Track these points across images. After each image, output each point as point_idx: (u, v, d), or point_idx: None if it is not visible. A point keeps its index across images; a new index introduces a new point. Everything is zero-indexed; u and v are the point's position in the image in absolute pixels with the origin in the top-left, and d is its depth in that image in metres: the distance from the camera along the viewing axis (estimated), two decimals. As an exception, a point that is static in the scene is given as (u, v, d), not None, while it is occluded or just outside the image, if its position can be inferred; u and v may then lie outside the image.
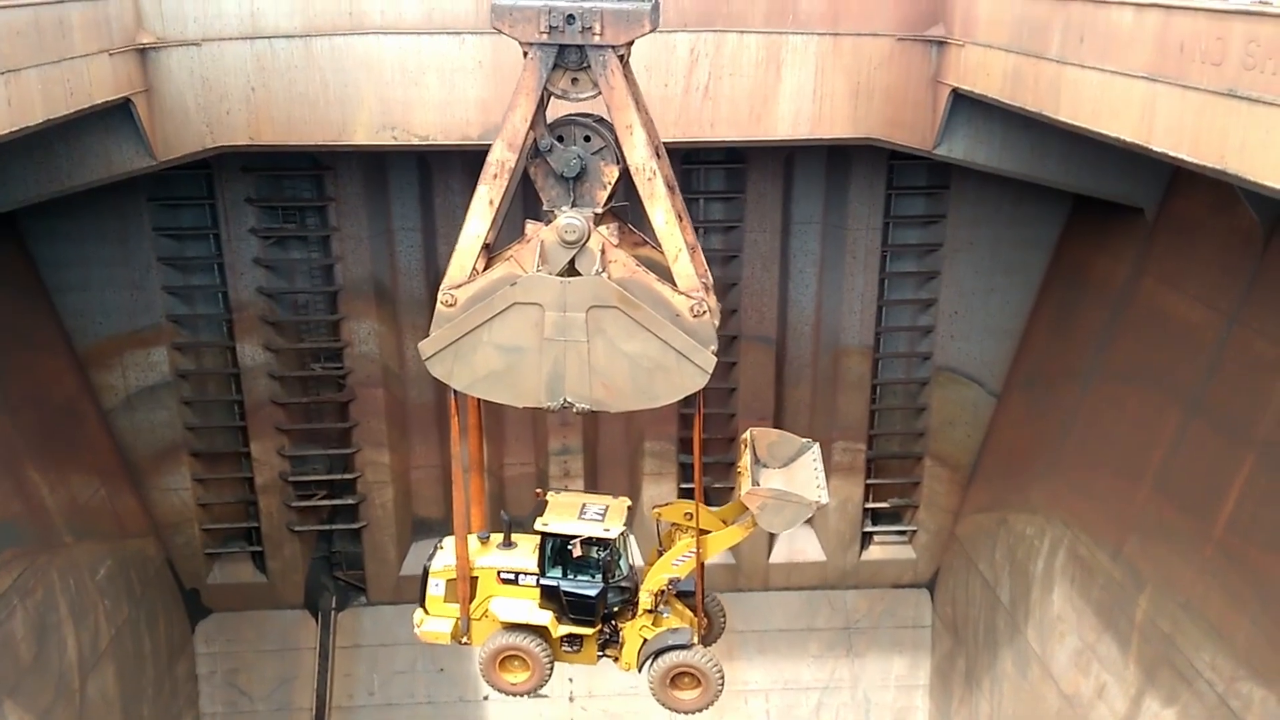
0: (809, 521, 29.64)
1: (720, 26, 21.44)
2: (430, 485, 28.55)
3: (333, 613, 28.89)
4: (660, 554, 17.46)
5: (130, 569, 25.40)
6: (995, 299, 26.88)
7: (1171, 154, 15.01)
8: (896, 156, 24.56)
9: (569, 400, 15.11)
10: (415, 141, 21.67)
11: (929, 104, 22.12)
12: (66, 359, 25.18)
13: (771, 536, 29.39)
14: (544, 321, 14.78)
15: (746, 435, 17.65)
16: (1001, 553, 25.85)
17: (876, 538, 29.59)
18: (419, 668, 29.20)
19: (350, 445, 27.77)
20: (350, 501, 28.19)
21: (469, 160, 22.70)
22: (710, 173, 26.34)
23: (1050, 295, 26.09)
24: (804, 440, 17.59)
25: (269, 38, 20.83)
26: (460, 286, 14.99)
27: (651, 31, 14.06)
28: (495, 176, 14.52)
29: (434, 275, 26.41)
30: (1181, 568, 19.32)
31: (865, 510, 29.17)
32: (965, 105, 21.42)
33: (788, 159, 26.04)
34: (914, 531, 29.46)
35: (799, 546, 29.59)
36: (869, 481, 28.85)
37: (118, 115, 19.90)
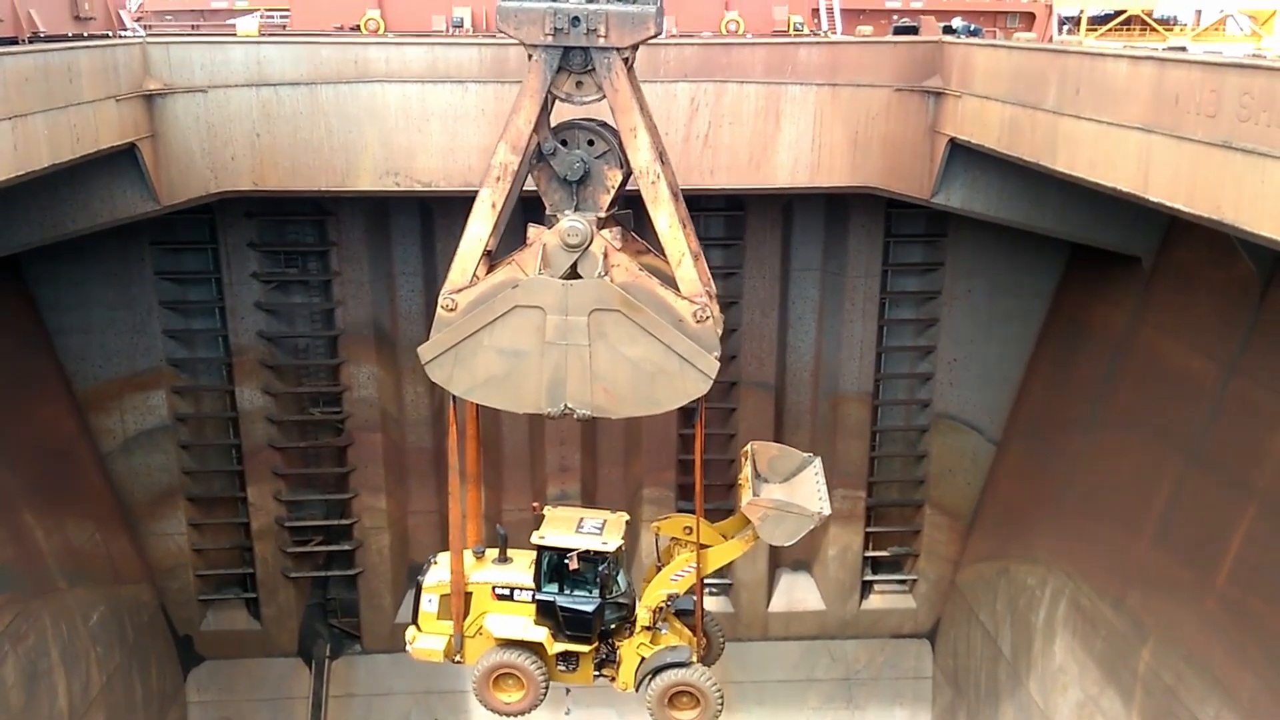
0: (808, 570, 29.71)
1: (720, 76, 21.72)
2: (427, 531, 28.36)
3: (327, 661, 28.54)
4: (659, 570, 17.06)
5: (123, 615, 25.13)
6: (994, 347, 26.93)
7: (1168, 204, 15.13)
8: (894, 205, 24.75)
9: (570, 406, 14.84)
10: (418, 187, 21.84)
11: (926, 153, 22.34)
12: (65, 402, 25.15)
13: (771, 584, 29.17)
14: (545, 325, 14.59)
15: (747, 448, 17.33)
16: (1003, 603, 25.62)
17: (877, 586, 29.36)
18: (414, 718, 28.78)
19: (347, 490, 27.63)
20: (346, 547, 28.00)
21: (471, 205, 22.84)
22: (710, 220, 26.52)
23: (1049, 343, 26.13)
24: (806, 455, 17.28)
25: (275, 85, 21.09)
26: (461, 291, 14.79)
27: (656, 35, 13.96)
28: (498, 179, 14.42)
29: (434, 319, 26.40)
30: (1184, 619, 19.13)
31: (865, 558, 28.98)
32: (962, 155, 21.63)
33: (786, 206, 26.23)
34: (914, 580, 29.22)
35: (798, 595, 29.34)
36: (869, 529, 28.69)
37: (123, 160, 20.09)
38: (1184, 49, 22.48)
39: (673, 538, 17.29)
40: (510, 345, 14.77)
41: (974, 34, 31.59)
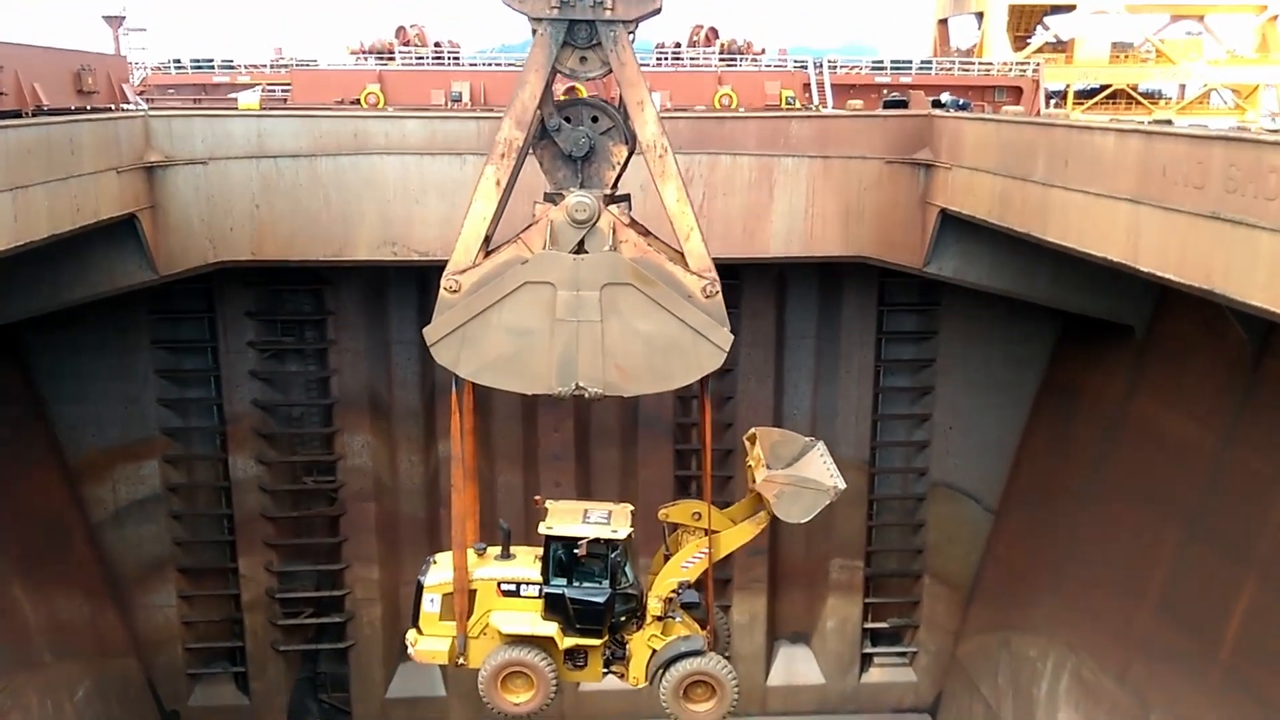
0: (807, 642, 29.26)
1: (714, 149, 22.07)
2: (420, 602, 27.94)
3: (316, 737, 27.93)
4: (666, 559, 16.50)
5: (110, 690, 24.62)
6: (989, 415, 26.93)
7: (1159, 274, 15.26)
8: (888, 274, 24.96)
9: (581, 385, 14.46)
10: (415, 257, 22.01)
11: (918, 224, 22.60)
12: (57, 471, 24.96)
13: (769, 657, 28.73)
14: (556, 301, 14.25)
15: (751, 433, 16.94)
16: (1004, 676, 25.21)
17: (877, 659, 28.91)
18: (404, 796, 28.08)
19: (340, 561, 27.31)
20: (338, 620, 27.57)
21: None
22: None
23: (1044, 411, 26.14)
24: (808, 439, 16.90)
25: (275, 157, 21.37)
26: (464, 272, 14.40)
27: (659, 10, 13.83)
28: (503, 156, 14.15)
29: (430, 387, 26.46)
30: (1188, 691, 18.83)
31: (864, 630, 28.60)
32: (954, 225, 21.88)
33: (781, 276, 26.43)
34: (914, 653, 28.79)
35: (797, 669, 28.88)
36: (867, 600, 28.36)
37: (122, 230, 20.24)
38: (1170, 122, 22.87)
39: (680, 525, 16.71)
40: (520, 323, 14.38)
41: (962, 108, 32.27)
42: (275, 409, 26.48)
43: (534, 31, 13.83)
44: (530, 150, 14.46)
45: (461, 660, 16.29)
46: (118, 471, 25.83)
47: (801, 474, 15.72)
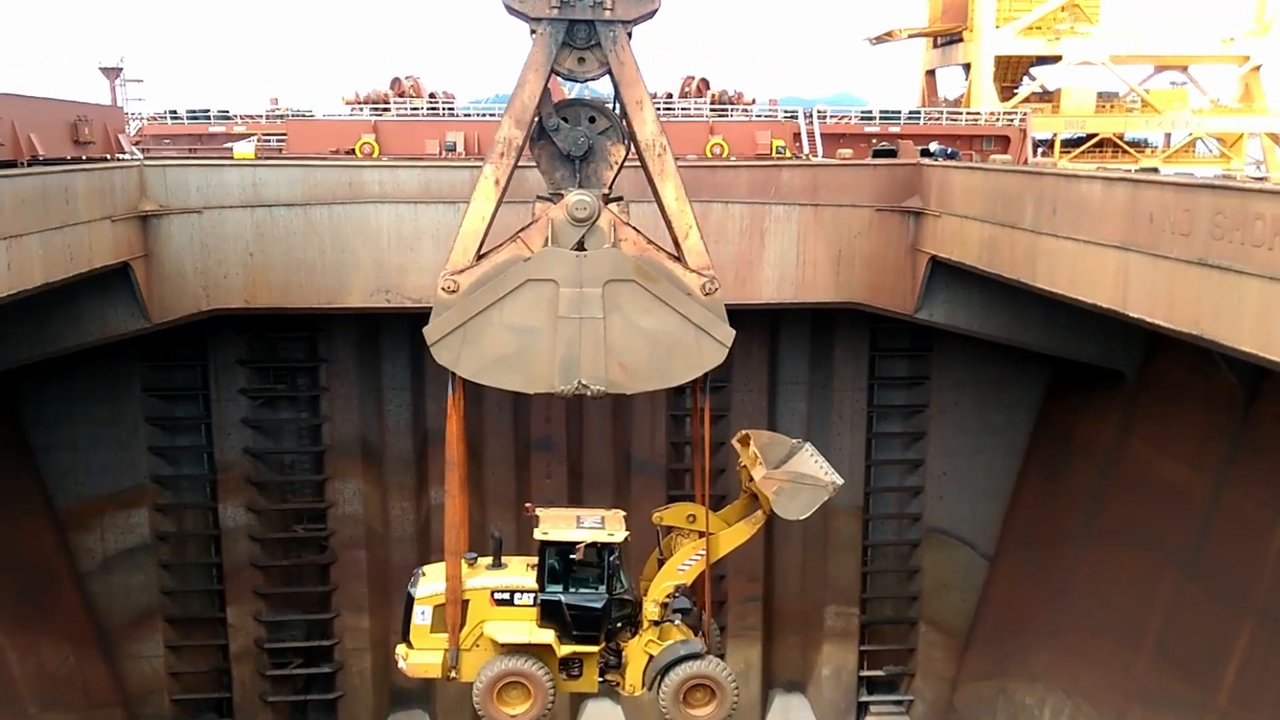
0: (802, 690, 28.92)
1: (706, 196, 22.25)
2: (411, 652, 27.62)
3: (303, 791, 27.41)
4: (661, 563, 16.35)
5: (94, 743, 24.20)
6: (982, 460, 26.91)
7: (1147, 320, 15.38)
8: (879, 320, 25.07)
9: (584, 383, 14.44)
10: (409, 304, 22.07)
11: (908, 270, 22.78)
12: (45, 520, 24.74)
13: (764, 707, 28.39)
14: (559, 299, 14.23)
15: (742, 434, 16.91)
16: (1002, 724, 24.94)
17: (873, 707, 28.54)
18: None
19: (329, 610, 27.02)
20: (327, 670, 27.21)
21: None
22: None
23: (1037, 456, 26.15)
24: (795, 440, 16.90)
25: (269, 206, 21.51)
26: (462, 272, 14.33)
27: (657, 9, 13.91)
28: (502, 155, 14.12)
29: (423, 434, 26.39)
30: (1188, 740, 18.65)
31: (860, 678, 28.30)
32: (944, 272, 22.05)
33: (773, 321, 26.54)
34: (911, 701, 28.46)
35: (793, 718, 28.50)
36: (863, 648, 28.11)
37: (115, 278, 20.29)
38: (1156, 170, 23.20)
39: (675, 528, 16.58)
40: (522, 321, 14.35)
41: (950, 156, 32.66)
42: (266, 456, 26.35)
43: (532, 32, 13.92)
44: (530, 148, 14.43)
45: (454, 674, 15.96)
46: (107, 520, 25.62)
47: (799, 471, 15.65)
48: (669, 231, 14.79)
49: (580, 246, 14.32)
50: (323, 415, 26.20)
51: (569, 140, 14.42)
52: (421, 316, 24.92)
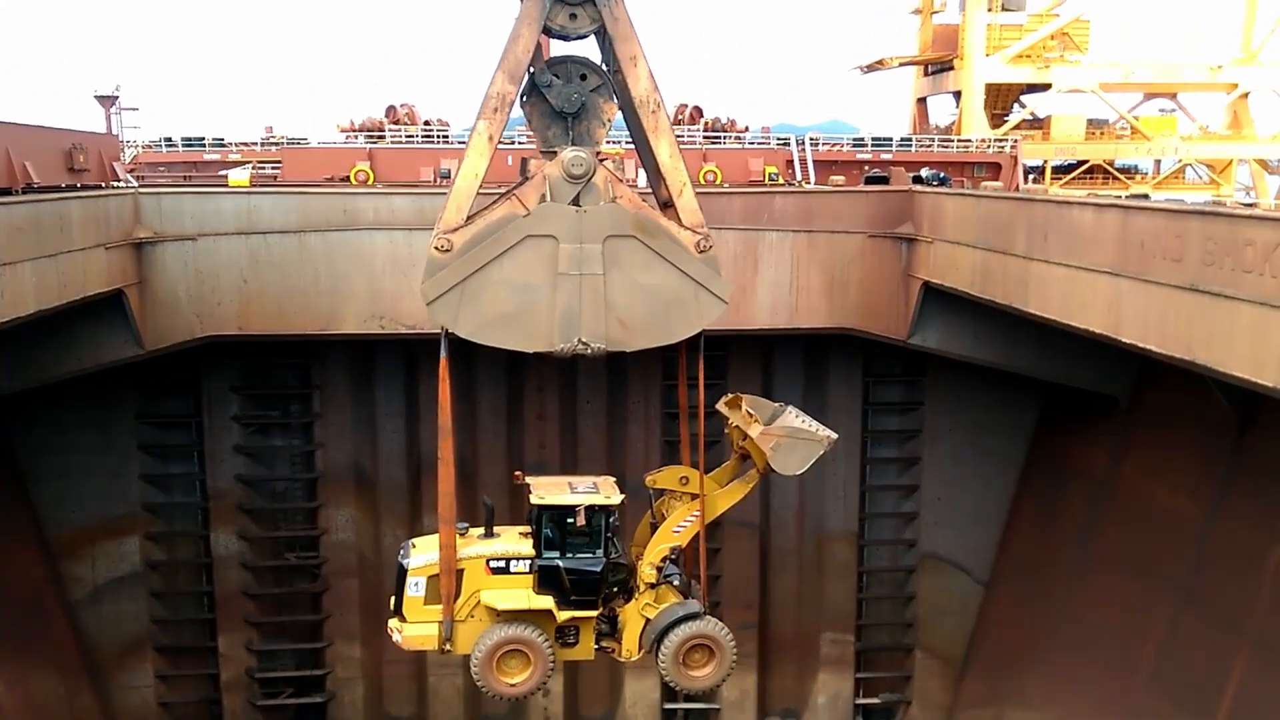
0: (798, 719, 28.68)
1: (700, 223, 22.30)
2: (404, 682, 27.40)
3: (294, 823, 27.07)
4: (654, 528, 16.28)
5: (82, 775, 23.91)
6: (976, 485, 26.88)
7: (1140, 345, 15.43)
8: (873, 346, 25.10)
9: (583, 340, 14.32)
10: (403, 330, 22.07)
11: (901, 296, 22.85)
12: (35, 549, 24.54)
13: (759, 734, 28.18)
14: (558, 255, 14.09)
15: (731, 396, 16.87)
16: (999, 752, 24.77)
17: (869, 736, 28.38)
18: None
19: (321, 639, 26.81)
20: (318, 699, 26.95)
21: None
22: (691, 360, 26.68)
23: (1031, 482, 26.12)
24: (778, 404, 16.84)
25: (264, 233, 21.53)
26: (456, 231, 14.11)
27: None
28: (495, 110, 13.97)
29: (417, 460, 26.29)
30: (1186, 767, 18.53)
31: (856, 706, 28.10)
32: (937, 297, 22.12)
33: (767, 347, 26.56)
34: (907, 729, 28.29)
35: (789, 747, 28.33)
36: (859, 675, 27.93)
37: (109, 305, 20.25)
38: (1147, 197, 23.36)
39: (667, 491, 16.53)
40: (521, 278, 14.19)
41: (942, 183, 32.80)
42: (259, 484, 26.21)
43: None
44: (522, 106, 14.32)
45: (449, 647, 15.75)
46: (98, 548, 25.43)
47: (794, 425, 15.66)
48: (663, 188, 14.69)
49: (575, 203, 14.19)
50: (316, 442, 26.11)
51: (561, 97, 14.32)
52: (416, 343, 25.24)
